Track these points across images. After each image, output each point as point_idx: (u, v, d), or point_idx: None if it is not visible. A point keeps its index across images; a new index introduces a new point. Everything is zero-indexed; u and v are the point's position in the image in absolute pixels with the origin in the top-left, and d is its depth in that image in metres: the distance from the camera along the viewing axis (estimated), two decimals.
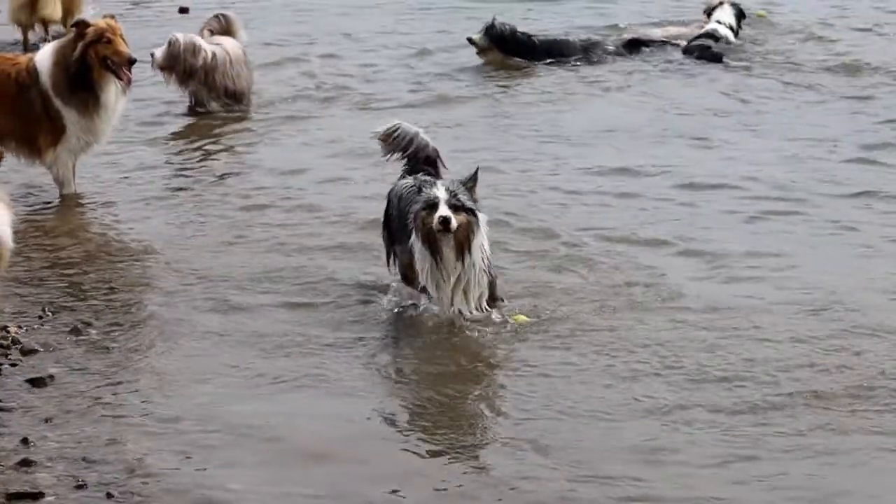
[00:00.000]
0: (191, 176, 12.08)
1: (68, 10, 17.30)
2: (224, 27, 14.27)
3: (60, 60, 11.09)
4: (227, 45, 13.96)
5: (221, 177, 12.04)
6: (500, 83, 15.44)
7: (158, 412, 7.59)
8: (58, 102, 11.09)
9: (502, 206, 10.70)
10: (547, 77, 15.63)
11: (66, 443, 7.17)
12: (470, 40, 16.16)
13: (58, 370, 8.04)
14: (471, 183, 8.50)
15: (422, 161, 9.10)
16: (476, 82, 15.47)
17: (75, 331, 8.60)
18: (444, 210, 8.30)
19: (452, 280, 8.47)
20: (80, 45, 11.01)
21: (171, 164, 12.53)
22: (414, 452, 7.19)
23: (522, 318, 8.73)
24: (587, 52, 16.25)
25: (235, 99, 13.96)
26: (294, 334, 8.61)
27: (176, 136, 13.44)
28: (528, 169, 12.17)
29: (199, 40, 13.72)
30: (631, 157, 12.43)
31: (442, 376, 8.06)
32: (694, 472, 6.93)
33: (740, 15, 17.03)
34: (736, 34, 16.81)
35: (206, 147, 12.98)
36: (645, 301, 9.09)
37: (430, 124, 12.01)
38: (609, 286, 9.32)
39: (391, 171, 9.53)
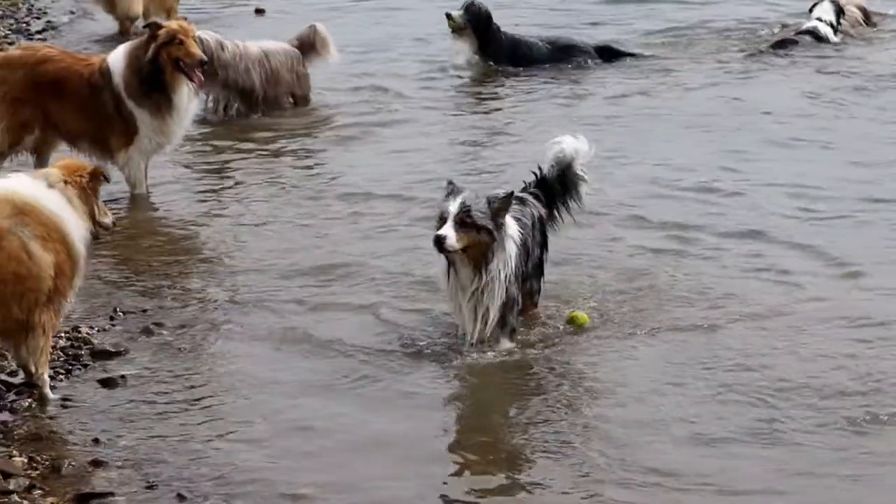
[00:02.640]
0: (259, 178, 12.09)
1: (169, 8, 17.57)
2: (311, 39, 14.30)
3: (133, 62, 11.10)
4: (252, 46, 13.89)
5: (292, 177, 12.05)
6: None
7: (230, 413, 7.59)
8: (130, 104, 11.11)
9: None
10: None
11: (137, 443, 7.18)
12: (448, 16, 15.85)
13: (129, 371, 8.05)
14: (498, 203, 8.10)
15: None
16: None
17: (147, 332, 8.61)
18: (445, 228, 7.96)
19: (468, 296, 8.22)
20: (152, 47, 11.02)
21: (238, 166, 12.55)
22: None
23: (581, 316, 8.65)
24: (554, 55, 16.04)
25: (247, 98, 13.85)
26: (366, 337, 8.58)
27: (241, 135, 13.48)
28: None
29: (223, 40, 13.59)
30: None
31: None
32: None
33: (839, 12, 16.98)
34: (836, 31, 16.80)
35: (275, 149, 13.00)
36: None
37: None
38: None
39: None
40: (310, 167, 12.45)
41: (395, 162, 12.35)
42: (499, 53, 15.97)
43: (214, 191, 11.74)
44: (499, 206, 8.10)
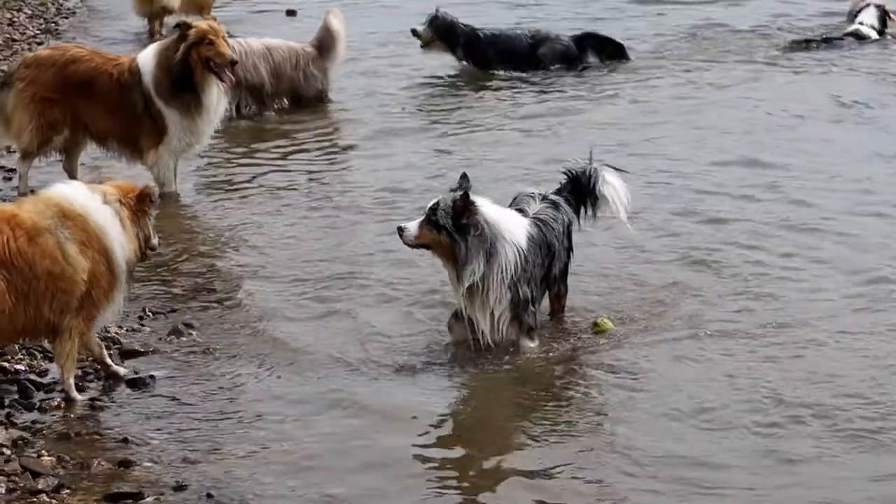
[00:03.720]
0: (289, 177, 12.08)
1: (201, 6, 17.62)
2: (327, 38, 14.29)
3: (163, 61, 11.09)
4: (254, 42, 13.90)
5: (320, 179, 12.02)
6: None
7: (260, 414, 7.56)
8: (160, 103, 11.11)
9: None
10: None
11: (166, 443, 7.16)
12: (414, 32, 15.92)
13: (158, 371, 8.04)
14: (457, 205, 8.08)
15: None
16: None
17: (176, 332, 8.60)
18: (412, 222, 8.20)
19: (462, 291, 8.22)
20: (182, 47, 11.01)
21: (269, 165, 12.54)
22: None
23: (607, 323, 8.63)
24: (536, 47, 16.02)
25: (258, 95, 13.85)
26: (395, 336, 8.58)
27: (272, 132, 13.48)
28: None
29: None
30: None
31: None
32: None
33: (884, 15, 17.09)
34: (881, 34, 16.92)
35: (302, 146, 13.02)
36: None
37: None
38: None
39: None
40: (335, 173, 12.42)
41: (412, 169, 12.32)
42: (476, 53, 15.97)
43: (243, 194, 11.74)
44: (458, 208, 8.11)
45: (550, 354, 8.34)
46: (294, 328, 8.77)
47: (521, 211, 8.52)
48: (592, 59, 16.16)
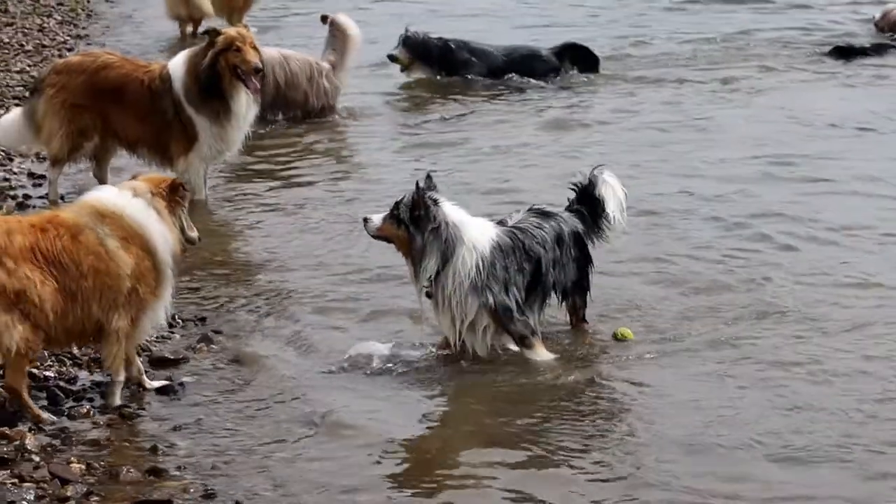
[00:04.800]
0: (316, 185, 12.09)
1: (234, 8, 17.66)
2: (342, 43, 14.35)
3: (192, 68, 11.10)
4: (271, 50, 13.84)
5: (341, 193, 12.01)
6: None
7: (289, 421, 7.54)
8: (189, 110, 11.12)
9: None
10: None
11: (195, 451, 7.15)
12: (391, 57, 15.85)
13: (188, 379, 8.03)
14: (411, 202, 8.19)
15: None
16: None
17: (205, 339, 8.59)
18: (375, 214, 8.36)
19: (418, 288, 8.32)
20: (210, 53, 11.03)
21: (294, 173, 12.55)
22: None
23: (627, 332, 8.61)
24: (512, 62, 16.01)
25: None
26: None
27: (291, 142, 13.52)
28: None
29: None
30: None
31: None
32: None
33: None
34: None
35: (323, 153, 13.07)
36: None
37: None
38: None
39: None
40: (367, 177, 12.42)
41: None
42: (454, 66, 15.96)
43: (271, 198, 11.75)
44: (414, 200, 8.20)
45: (560, 369, 8.27)
46: (326, 334, 8.76)
47: (500, 222, 8.52)
48: (570, 69, 16.15)
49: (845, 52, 16.59)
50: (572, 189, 8.87)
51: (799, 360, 8.27)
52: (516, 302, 8.33)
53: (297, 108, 14.15)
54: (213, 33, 11.23)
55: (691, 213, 11.09)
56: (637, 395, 7.90)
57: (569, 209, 8.78)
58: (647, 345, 8.51)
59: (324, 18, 19.25)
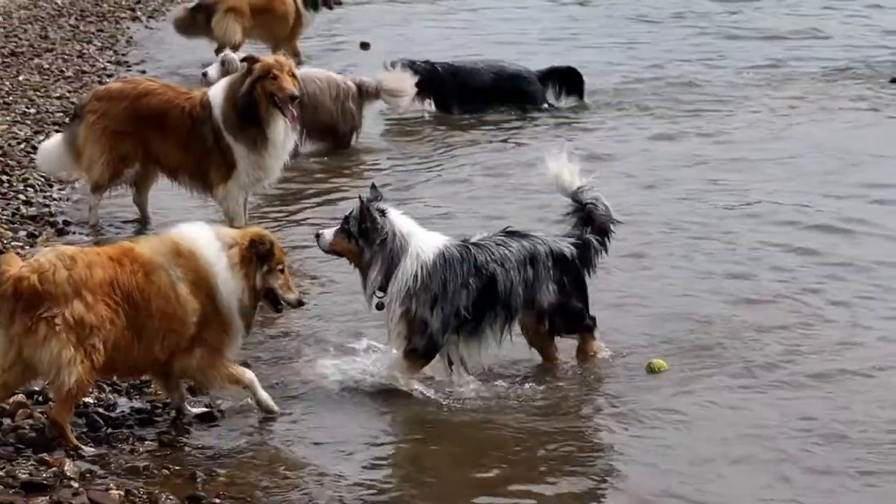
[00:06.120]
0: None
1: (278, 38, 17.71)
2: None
3: (231, 95, 11.13)
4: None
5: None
6: None
7: (329, 447, 7.55)
8: (228, 137, 11.15)
9: None
10: None
11: (234, 478, 7.13)
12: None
13: (227, 405, 8.04)
14: (358, 216, 8.26)
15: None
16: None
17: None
18: (327, 229, 8.44)
19: (368, 300, 8.39)
20: (247, 81, 11.05)
21: (317, 199, 12.60)
22: None
23: (660, 363, 8.57)
24: (499, 81, 15.90)
25: None
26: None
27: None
28: None
29: None
30: None
31: None
32: None
33: None
34: None
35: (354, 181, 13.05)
36: None
37: None
38: None
39: None
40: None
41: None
42: (447, 92, 15.82)
43: (297, 222, 11.80)
44: (360, 212, 8.24)
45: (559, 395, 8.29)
46: (360, 359, 8.66)
47: (464, 239, 8.51)
48: (551, 96, 16.12)
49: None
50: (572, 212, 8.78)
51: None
52: (442, 319, 8.27)
53: (323, 130, 14.11)
54: (250, 60, 11.26)
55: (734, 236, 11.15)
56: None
57: (574, 234, 8.70)
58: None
59: (363, 45, 19.38)
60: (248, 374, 7.77)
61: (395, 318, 8.29)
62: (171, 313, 7.38)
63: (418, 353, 8.34)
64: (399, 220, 8.35)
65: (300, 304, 7.94)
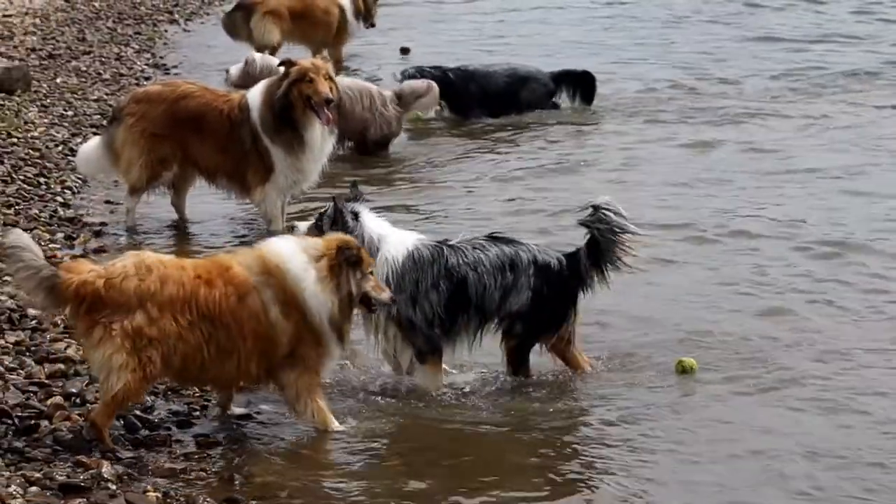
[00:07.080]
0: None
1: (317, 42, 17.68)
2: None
3: (268, 98, 11.13)
4: None
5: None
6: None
7: (366, 450, 7.56)
8: (266, 140, 11.15)
9: None
10: None
11: (272, 480, 7.12)
12: None
13: (266, 406, 8.03)
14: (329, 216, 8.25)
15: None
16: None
17: None
18: (302, 223, 8.44)
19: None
20: (284, 84, 11.05)
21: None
22: None
23: (691, 362, 8.55)
24: (512, 84, 15.89)
25: None
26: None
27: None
28: None
29: (275, 63, 13.12)
30: None
31: None
32: None
33: None
34: None
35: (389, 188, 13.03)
36: None
37: None
38: None
39: None
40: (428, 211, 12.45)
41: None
42: (462, 97, 15.80)
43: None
44: (332, 219, 8.20)
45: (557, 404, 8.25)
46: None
47: (440, 241, 8.47)
48: (565, 98, 16.11)
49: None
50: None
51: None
52: (424, 316, 8.26)
53: (354, 137, 14.08)
54: (288, 64, 11.26)
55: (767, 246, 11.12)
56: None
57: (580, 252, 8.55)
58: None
59: (403, 50, 19.39)
60: (336, 424, 7.70)
61: (385, 325, 8.30)
62: (263, 334, 7.40)
63: (425, 351, 8.35)
64: (372, 223, 8.32)
65: (394, 301, 7.90)
